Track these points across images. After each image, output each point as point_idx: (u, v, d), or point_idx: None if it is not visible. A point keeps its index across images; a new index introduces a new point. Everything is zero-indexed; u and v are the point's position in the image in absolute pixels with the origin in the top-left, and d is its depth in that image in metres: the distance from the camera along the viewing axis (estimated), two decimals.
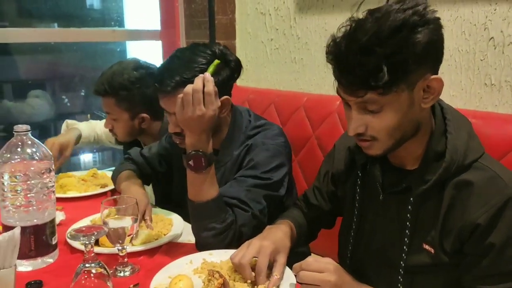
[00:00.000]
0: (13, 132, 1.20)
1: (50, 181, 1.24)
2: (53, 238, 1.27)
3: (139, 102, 1.84)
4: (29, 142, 1.22)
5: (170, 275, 1.15)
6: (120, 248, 1.20)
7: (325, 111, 1.96)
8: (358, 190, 1.20)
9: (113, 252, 1.24)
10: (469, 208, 0.99)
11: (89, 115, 3.59)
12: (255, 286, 1.10)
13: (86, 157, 3.80)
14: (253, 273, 1.11)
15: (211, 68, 1.30)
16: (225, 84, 1.38)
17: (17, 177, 1.17)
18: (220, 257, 1.24)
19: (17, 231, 0.92)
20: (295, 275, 1.08)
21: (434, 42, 0.96)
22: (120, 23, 3.36)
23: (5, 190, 1.18)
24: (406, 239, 1.07)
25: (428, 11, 0.95)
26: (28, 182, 1.19)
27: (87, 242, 1.00)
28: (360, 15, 1.00)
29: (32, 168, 1.20)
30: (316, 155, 1.97)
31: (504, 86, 1.60)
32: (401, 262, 1.08)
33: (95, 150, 3.75)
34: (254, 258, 1.13)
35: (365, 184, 1.19)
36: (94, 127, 2.17)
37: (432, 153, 1.04)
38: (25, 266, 1.22)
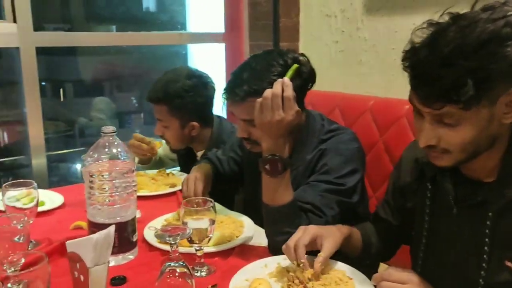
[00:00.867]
0: (101, 133, 1.26)
1: (133, 181, 1.29)
2: (134, 236, 1.31)
3: (191, 110, 1.88)
4: (115, 143, 1.27)
5: (247, 278, 1.16)
6: (197, 248, 1.23)
7: (393, 115, 1.91)
8: (428, 203, 1.15)
9: (189, 251, 1.27)
10: None
11: (142, 115, 3.69)
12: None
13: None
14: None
15: (289, 73, 1.31)
16: (298, 93, 1.35)
17: (104, 176, 1.23)
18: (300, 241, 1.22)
19: (111, 229, 0.96)
20: (375, 286, 1.07)
21: None
22: (173, 25, 3.41)
23: (93, 188, 1.24)
24: (485, 256, 1.02)
25: None
26: (114, 181, 1.24)
27: (172, 242, 1.03)
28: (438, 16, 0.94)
29: (117, 168, 1.25)
30: (383, 160, 1.93)
31: None
32: (480, 280, 1.03)
33: None
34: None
35: (435, 197, 1.13)
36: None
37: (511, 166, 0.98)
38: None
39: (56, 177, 3.04)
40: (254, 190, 1.61)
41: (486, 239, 1.01)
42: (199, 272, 1.24)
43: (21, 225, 1.32)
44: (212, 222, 1.23)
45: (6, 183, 1.34)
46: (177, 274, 1.04)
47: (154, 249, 1.36)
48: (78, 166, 3.26)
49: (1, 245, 1.10)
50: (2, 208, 1.37)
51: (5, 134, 2.83)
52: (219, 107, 1.84)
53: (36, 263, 0.94)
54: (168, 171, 2.06)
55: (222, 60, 2.88)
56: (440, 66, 0.88)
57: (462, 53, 0.86)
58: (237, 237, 1.43)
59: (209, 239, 1.24)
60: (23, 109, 2.20)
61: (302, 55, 1.44)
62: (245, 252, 1.36)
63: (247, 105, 1.37)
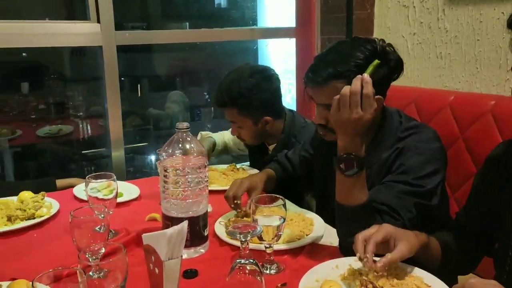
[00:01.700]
0: (175, 129, 1.29)
1: (205, 176, 1.31)
2: (205, 230, 1.34)
3: (260, 107, 1.87)
4: (188, 139, 1.30)
5: (317, 279, 1.14)
6: (267, 245, 1.23)
7: (476, 111, 1.78)
8: None
9: (259, 248, 1.27)
10: None
11: (212, 108, 3.75)
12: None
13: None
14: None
15: (370, 69, 1.25)
16: (380, 83, 1.31)
17: (178, 171, 1.26)
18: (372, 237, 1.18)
19: (185, 225, 0.98)
20: None
21: None
22: (244, 21, 3.43)
23: (167, 183, 1.27)
24: None
25: None
26: (187, 176, 1.26)
27: (243, 240, 1.03)
28: None
29: (190, 163, 1.28)
30: (463, 159, 1.80)
31: None
32: None
33: None
34: None
35: None
36: (223, 136, 2.26)
37: None
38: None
39: (132, 168, 3.19)
40: (324, 189, 1.59)
41: None
42: (268, 269, 1.23)
43: (102, 215, 1.40)
44: (283, 219, 1.22)
45: (89, 175, 1.42)
46: (247, 271, 1.04)
47: (224, 244, 1.37)
48: (153, 158, 3.39)
49: (84, 234, 1.16)
50: (85, 198, 1.45)
51: (89, 128, 3.02)
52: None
53: (115, 253, 0.99)
54: (238, 166, 2.08)
55: (292, 55, 2.86)
56: None
57: None
58: (307, 235, 1.40)
59: (279, 237, 1.22)
60: (104, 104, 2.32)
61: (389, 44, 1.38)
62: (315, 251, 1.33)
63: (329, 88, 1.32)
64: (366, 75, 1.19)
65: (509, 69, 1.80)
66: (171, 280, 0.98)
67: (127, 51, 3.34)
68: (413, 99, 2.04)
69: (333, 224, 1.39)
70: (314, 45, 2.69)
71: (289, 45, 2.91)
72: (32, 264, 1.25)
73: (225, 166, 2.05)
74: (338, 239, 1.34)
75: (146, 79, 3.73)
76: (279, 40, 3.00)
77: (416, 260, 1.14)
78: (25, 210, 1.53)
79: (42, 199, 1.62)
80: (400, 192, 1.29)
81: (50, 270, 0.89)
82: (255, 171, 1.95)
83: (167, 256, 0.96)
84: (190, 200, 1.28)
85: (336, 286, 1.06)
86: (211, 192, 1.80)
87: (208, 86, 3.92)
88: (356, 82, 1.18)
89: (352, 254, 1.23)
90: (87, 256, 1.10)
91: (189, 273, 1.21)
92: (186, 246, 1.29)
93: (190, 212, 1.29)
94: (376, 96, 1.32)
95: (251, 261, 1.04)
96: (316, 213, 1.57)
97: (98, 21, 2.19)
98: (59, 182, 1.91)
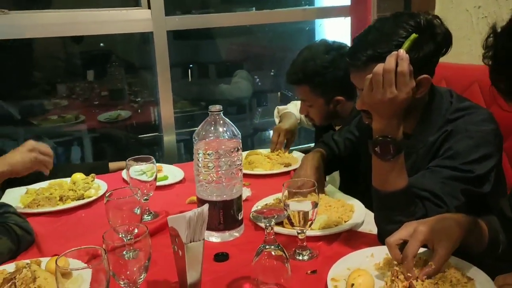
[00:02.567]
0: (208, 112, 1.29)
1: (238, 160, 1.29)
2: (239, 214, 1.33)
3: (333, 85, 1.78)
4: (221, 122, 1.29)
5: (349, 267, 1.09)
6: (299, 231, 1.19)
7: None
8: None
9: (293, 234, 1.24)
10: None
11: (279, 94, 3.74)
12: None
13: None
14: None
15: (406, 44, 1.16)
16: (427, 60, 1.23)
17: (209, 154, 1.25)
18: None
19: (205, 208, 0.98)
20: None
21: None
22: (311, 2, 3.35)
23: (200, 166, 1.27)
24: None
25: None
26: (219, 159, 1.26)
27: (267, 225, 1.01)
28: None
29: (223, 147, 1.26)
30: None
31: None
32: None
33: None
34: None
35: None
36: (296, 108, 2.21)
37: None
38: (215, 237, 1.30)
39: (184, 151, 3.26)
40: (369, 174, 1.52)
41: None
42: (300, 255, 1.20)
43: (145, 197, 1.44)
44: (315, 205, 1.17)
45: (129, 158, 1.45)
46: (272, 256, 1.02)
47: (259, 228, 1.35)
48: None
49: (119, 215, 1.19)
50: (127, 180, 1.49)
51: (146, 113, 3.12)
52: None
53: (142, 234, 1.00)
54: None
55: (348, 35, 2.74)
56: None
57: None
58: (345, 222, 1.35)
59: (311, 223, 1.18)
60: (156, 90, 2.38)
61: (436, 17, 1.27)
62: (352, 239, 1.27)
63: (368, 71, 1.24)
64: (401, 51, 1.10)
65: None
66: (194, 262, 0.98)
67: (187, 38, 3.41)
68: (477, 78, 1.87)
69: None
70: (370, 24, 2.55)
71: (345, 24, 2.80)
72: (76, 242, 1.29)
73: (268, 150, 2.02)
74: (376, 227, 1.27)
75: (211, 65, 3.78)
76: (334, 20, 2.88)
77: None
78: (75, 191, 1.61)
79: (92, 180, 1.70)
80: (446, 178, 1.19)
81: (73, 249, 0.92)
82: (301, 155, 1.91)
83: (189, 239, 0.96)
84: (223, 184, 1.28)
85: (366, 275, 1.00)
86: (254, 176, 1.81)
87: (274, 71, 3.89)
88: (390, 59, 1.10)
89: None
90: (120, 236, 1.14)
91: (220, 256, 1.21)
92: (220, 230, 1.30)
93: (224, 196, 1.29)
94: (423, 76, 1.23)
95: (276, 246, 1.02)
96: (363, 199, 1.50)
97: (149, 7, 2.23)
98: (112, 165, 1.98)
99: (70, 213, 1.53)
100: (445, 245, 1.00)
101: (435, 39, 1.23)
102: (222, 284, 1.10)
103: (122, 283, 0.95)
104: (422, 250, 1.06)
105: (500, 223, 1.15)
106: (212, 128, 1.28)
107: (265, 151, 2.02)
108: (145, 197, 1.44)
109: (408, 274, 0.98)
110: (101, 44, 3.35)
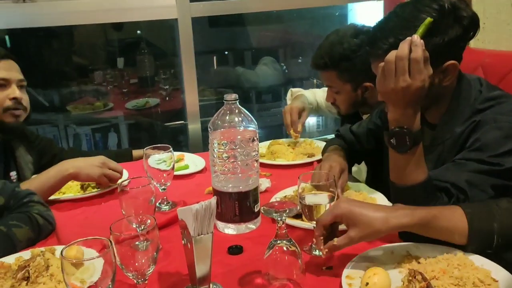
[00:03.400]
0: (223, 101, 1.25)
1: (254, 150, 1.26)
2: (255, 206, 1.30)
3: (362, 71, 1.68)
4: (237, 111, 1.25)
5: (367, 264, 1.04)
6: (315, 226, 1.15)
7: None
8: None
9: (310, 227, 1.20)
10: None
11: (314, 81, 3.68)
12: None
13: (310, 120, 3.90)
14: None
15: (421, 29, 1.09)
16: (452, 45, 1.15)
17: (224, 144, 1.22)
18: (427, 252, 1.06)
19: (213, 201, 0.95)
20: None
21: None
22: None
23: (215, 156, 1.25)
24: None
25: None
26: (234, 149, 1.22)
27: (278, 219, 0.97)
28: None
29: (239, 137, 1.23)
30: None
31: None
32: None
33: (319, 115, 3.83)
34: None
35: None
36: (315, 95, 2.15)
37: None
38: (231, 229, 1.28)
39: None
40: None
41: None
42: (317, 250, 1.15)
43: (162, 187, 1.43)
44: (332, 199, 1.13)
45: (147, 147, 1.45)
46: (284, 251, 0.98)
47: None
48: None
49: (133, 204, 1.19)
50: (155, 168, 1.46)
51: (173, 100, 3.13)
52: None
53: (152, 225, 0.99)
54: (311, 140, 1.99)
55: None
56: None
57: None
58: None
59: None
60: (182, 77, 2.37)
61: (462, 0, 1.19)
62: None
63: None
64: (415, 37, 1.05)
65: None
66: (202, 255, 0.96)
67: (220, 25, 3.39)
68: None
69: None
70: None
71: (377, 8, 2.69)
72: (93, 231, 1.30)
73: (292, 139, 1.97)
74: None
75: (247, 53, 3.76)
76: (366, 4, 2.78)
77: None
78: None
79: None
80: (472, 171, 1.13)
81: (79, 239, 0.91)
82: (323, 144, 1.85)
83: (196, 232, 0.93)
84: (239, 175, 1.24)
85: (381, 274, 0.95)
86: (276, 166, 1.77)
87: (300, 58, 3.82)
88: (403, 45, 1.04)
89: (411, 239, 1.12)
90: (134, 226, 1.13)
91: (234, 249, 1.19)
92: (235, 221, 1.28)
93: (240, 187, 1.26)
94: (449, 62, 1.16)
95: (288, 241, 0.98)
96: (386, 192, 1.44)
97: None
98: (135, 153, 1.99)
99: (90, 202, 1.54)
100: (357, 230, 1.00)
101: (460, 22, 1.15)
102: (234, 278, 1.08)
103: (130, 274, 0.94)
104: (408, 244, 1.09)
105: None
106: (228, 117, 1.24)
107: (287, 140, 1.97)
108: (163, 187, 1.43)
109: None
110: (138, 32, 3.38)
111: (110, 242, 0.88)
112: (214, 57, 3.64)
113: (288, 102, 2.15)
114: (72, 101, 3.15)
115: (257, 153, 1.27)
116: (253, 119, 1.27)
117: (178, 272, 1.10)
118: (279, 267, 0.99)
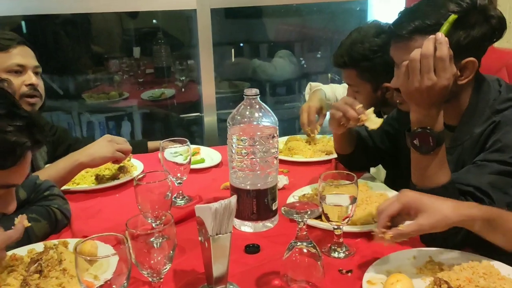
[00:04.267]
0: (244, 96, 1.22)
1: (274, 147, 1.22)
2: (274, 204, 1.26)
3: (382, 71, 1.64)
4: (257, 106, 1.22)
5: (388, 269, 1.01)
6: (335, 227, 1.12)
7: None
8: None
9: (329, 228, 1.17)
10: None
11: (329, 75, 3.63)
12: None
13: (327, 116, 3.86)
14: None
15: (445, 26, 1.06)
16: (476, 43, 1.11)
17: (243, 140, 1.19)
18: (451, 259, 1.02)
19: (233, 200, 0.92)
20: None
21: None
22: None
23: (233, 151, 1.22)
24: None
25: None
26: (253, 146, 1.19)
27: (299, 220, 0.94)
28: None
29: (258, 133, 1.20)
30: None
31: None
32: None
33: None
34: None
35: None
36: (335, 91, 2.10)
37: None
38: (248, 227, 1.25)
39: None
40: (408, 168, 1.42)
41: None
42: (336, 252, 1.12)
43: (178, 181, 1.41)
44: (354, 199, 1.09)
45: (164, 140, 1.42)
46: (304, 253, 0.95)
47: (295, 220, 1.28)
48: None
49: (149, 199, 1.16)
50: (171, 161, 1.44)
51: (189, 92, 3.10)
52: None
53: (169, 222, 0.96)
54: (330, 136, 1.95)
55: None
56: None
57: None
58: None
59: (349, 220, 1.10)
60: (199, 69, 2.33)
61: (490, 1, 1.15)
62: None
63: (412, 44, 1.16)
64: (439, 34, 1.01)
65: None
66: (220, 255, 0.94)
67: (237, 17, 3.34)
68: None
69: None
70: None
71: (399, 3, 2.62)
72: (106, 224, 1.29)
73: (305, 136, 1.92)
74: None
75: (263, 46, 3.72)
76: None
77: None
78: (111, 170, 1.61)
79: (128, 160, 1.68)
80: (494, 173, 1.10)
81: (94, 236, 0.89)
82: None
83: (215, 231, 0.91)
84: (257, 172, 1.21)
85: (404, 281, 0.92)
86: (293, 163, 1.74)
87: (319, 52, 3.77)
88: (428, 43, 1.01)
89: (435, 244, 1.08)
90: (149, 221, 1.11)
91: (251, 248, 1.16)
92: (253, 219, 1.25)
93: (258, 184, 1.23)
94: (469, 59, 1.12)
95: (308, 243, 0.95)
96: None
97: None
98: (151, 144, 1.97)
99: (104, 193, 1.53)
100: (427, 217, 0.94)
101: (488, 21, 1.12)
102: (251, 278, 1.05)
103: (145, 272, 0.92)
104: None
105: None
106: (248, 112, 1.21)
107: (305, 137, 1.92)
108: (179, 181, 1.41)
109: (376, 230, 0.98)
110: (154, 21, 3.35)
111: (126, 239, 0.86)
112: (232, 49, 3.60)
113: (307, 96, 2.11)
114: (87, 89, 3.14)
115: (276, 150, 1.24)
116: (273, 115, 1.24)
117: (194, 270, 1.08)
118: (298, 269, 0.96)
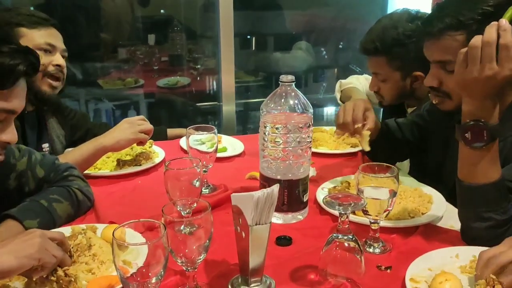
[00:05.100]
0: (279, 82, 1.17)
1: (308, 137, 1.18)
2: (304, 196, 1.22)
3: (414, 58, 1.57)
4: (293, 94, 1.17)
5: (431, 267, 0.96)
6: (372, 221, 1.07)
7: None
8: None
9: (364, 222, 1.12)
10: None
11: (335, 70, 3.57)
12: None
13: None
14: None
15: (508, 13, 0.99)
16: None
17: (278, 128, 1.14)
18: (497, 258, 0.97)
19: (275, 189, 0.88)
20: None
21: None
22: None
23: (266, 140, 1.17)
24: None
25: None
26: (287, 135, 1.15)
27: (342, 212, 0.89)
28: None
29: (293, 121, 1.15)
30: None
31: None
32: None
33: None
34: None
35: None
36: (360, 82, 2.04)
37: None
38: (277, 219, 1.21)
39: (252, 125, 3.17)
40: (439, 162, 1.40)
41: None
42: (372, 247, 1.08)
43: (204, 169, 1.36)
44: (393, 194, 1.04)
45: (190, 126, 1.38)
46: (345, 247, 0.91)
47: (325, 213, 1.24)
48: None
49: (178, 186, 1.12)
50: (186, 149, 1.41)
51: (206, 81, 3.05)
52: None
53: (202, 210, 0.92)
54: None
55: (428, 5, 2.51)
56: None
57: None
58: (422, 214, 1.21)
59: (387, 213, 1.06)
60: (219, 59, 2.28)
61: None
62: (430, 234, 1.13)
63: (444, 41, 1.12)
64: (503, 21, 0.94)
65: None
66: (258, 246, 0.89)
67: (251, 9, 3.28)
68: None
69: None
70: None
71: None
72: (132, 210, 1.25)
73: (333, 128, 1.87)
74: (460, 223, 1.12)
75: (272, 37, 3.66)
76: None
77: None
78: (132, 156, 1.57)
79: (150, 147, 1.64)
80: None
81: (131, 221, 0.85)
82: (367, 132, 1.74)
83: (254, 221, 0.86)
84: (290, 162, 1.17)
85: (454, 280, 0.87)
86: (318, 155, 1.69)
87: (336, 42, 3.70)
88: (491, 30, 0.94)
89: (478, 242, 1.03)
90: (178, 209, 1.07)
91: (282, 240, 1.12)
92: (283, 211, 1.21)
93: (290, 175, 1.18)
94: None
95: (350, 237, 0.91)
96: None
97: None
98: (170, 132, 1.93)
99: (126, 179, 1.49)
100: None
101: None
102: (285, 271, 1.01)
103: (179, 261, 0.88)
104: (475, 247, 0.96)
105: None
106: (283, 100, 1.16)
107: (329, 129, 1.87)
108: (204, 169, 1.37)
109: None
110: (161, 11, 3.30)
111: (164, 226, 0.82)
112: (253, 39, 3.54)
113: (337, 94, 2.06)
114: (101, 76, 3.10)
115: (310, 140, 1.19)
116: (309, 103, 1.19)
117: (225, 260, 1.04)
118: (338, 264, 0.92)
